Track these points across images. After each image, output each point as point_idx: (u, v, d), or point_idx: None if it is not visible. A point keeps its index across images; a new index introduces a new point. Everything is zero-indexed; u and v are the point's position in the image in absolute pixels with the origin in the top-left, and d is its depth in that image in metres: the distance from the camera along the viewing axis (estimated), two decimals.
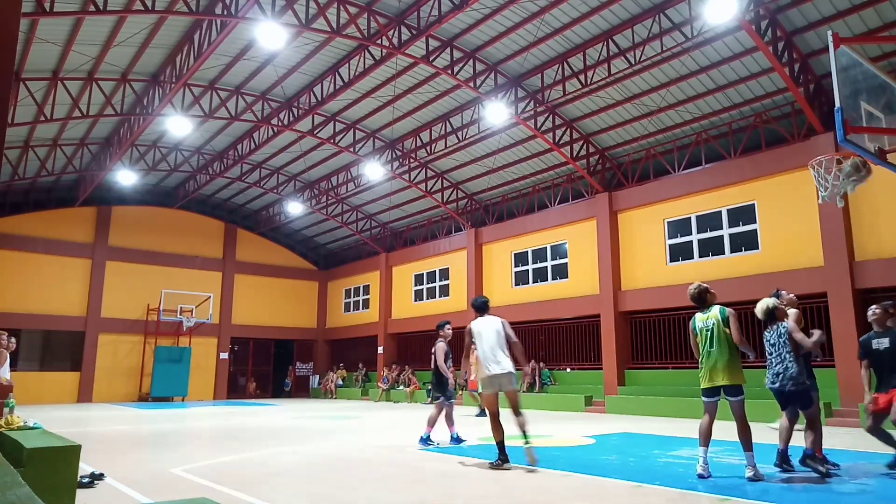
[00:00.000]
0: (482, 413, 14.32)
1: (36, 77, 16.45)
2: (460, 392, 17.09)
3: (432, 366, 9.98)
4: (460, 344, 8.62)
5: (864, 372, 6.68)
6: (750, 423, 6.15)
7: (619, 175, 19.30)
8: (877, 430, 6.50)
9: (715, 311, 6.43)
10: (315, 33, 15.38)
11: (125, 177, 22.78)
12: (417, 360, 25.59)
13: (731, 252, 16.38)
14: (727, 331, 6.25)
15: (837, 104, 5.07)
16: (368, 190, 25.47)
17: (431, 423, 9.45)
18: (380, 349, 27.74)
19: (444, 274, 25.64)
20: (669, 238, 17.80)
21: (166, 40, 16.12)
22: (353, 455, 8.48)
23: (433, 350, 10.09)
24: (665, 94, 16.47)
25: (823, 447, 6.70)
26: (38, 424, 5.51)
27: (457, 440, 9.47)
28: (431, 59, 16.17)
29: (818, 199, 8.01)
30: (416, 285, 27.14)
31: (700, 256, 17.02)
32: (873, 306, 6.86)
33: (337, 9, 14.76)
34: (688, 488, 5.79)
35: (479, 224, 24.01)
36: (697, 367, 6.56)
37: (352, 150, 21.90)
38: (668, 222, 17.88)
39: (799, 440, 6.69)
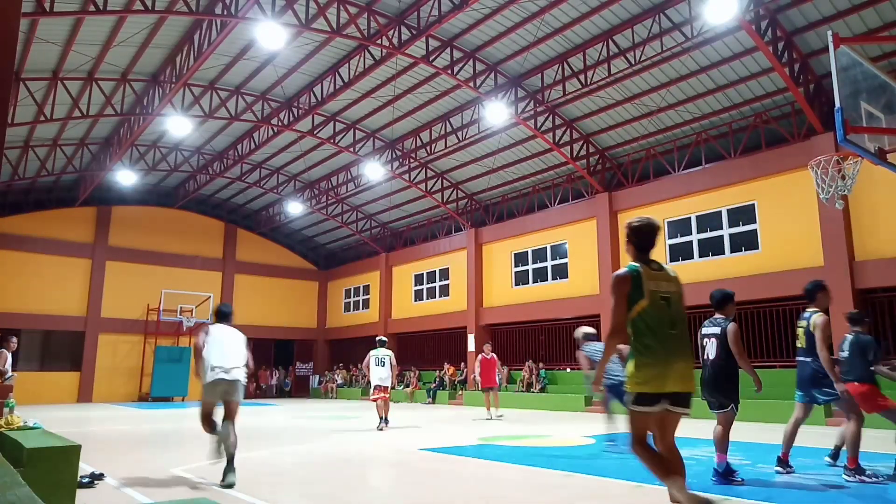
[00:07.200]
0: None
1: (36, 77, 16.44)
2: None
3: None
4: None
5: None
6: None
7: (619, 175, 19.30)
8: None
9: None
10: (315, 33, 15.38)
11: (125, 177, 22.77)
12: (418, 360, 25.56)
13: (731, 252, 16.37)
14: None
15: (837, 104, 5.07)
16: (368, 190, 25.46)
17: None
18: None
19: (444, 274, 25.63)
20: (669, 238, 17.78)
21: (166, 40, 16.12)
22: (353, 455, 8.48)
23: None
24: (665, 94, 16.46)
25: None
26: (38, 424, 5.51)
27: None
28: (431, 59, 16.17)
29: (819, 196, 8.02)
30: (416, 285, 27.13)
31: (700, 256, 17.02)
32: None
33: (337, 9, 14.76)
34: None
35: (479, 224, 24.00)
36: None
37: (352, 150, 21.89)
38: (668, 222, 17.87)
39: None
